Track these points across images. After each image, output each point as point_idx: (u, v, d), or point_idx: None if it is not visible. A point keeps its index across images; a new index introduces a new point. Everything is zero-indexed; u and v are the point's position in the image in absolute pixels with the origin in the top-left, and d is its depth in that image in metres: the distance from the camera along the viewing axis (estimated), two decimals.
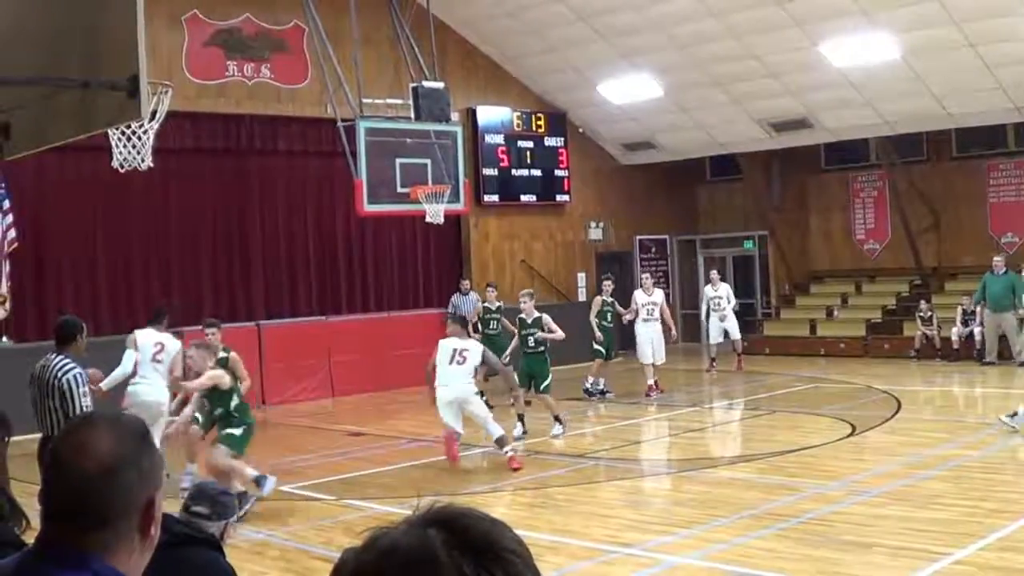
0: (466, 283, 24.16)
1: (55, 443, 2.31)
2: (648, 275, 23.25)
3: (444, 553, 1.49)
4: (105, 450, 2.23)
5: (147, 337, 13.55)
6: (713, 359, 24.04)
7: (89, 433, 2.27)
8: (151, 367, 13.32)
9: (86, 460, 2.21)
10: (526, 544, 1.57)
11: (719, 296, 24.06)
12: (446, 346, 14.44)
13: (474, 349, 14.46)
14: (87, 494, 2.19)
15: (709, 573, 9.14)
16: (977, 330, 23.36)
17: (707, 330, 24.89)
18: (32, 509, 2.48)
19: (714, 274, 24.87)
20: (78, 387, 8.55)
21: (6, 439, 3.99)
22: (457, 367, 14.22)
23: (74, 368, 8.62)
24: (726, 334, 24.11)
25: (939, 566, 8.66)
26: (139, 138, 10.34)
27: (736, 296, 24.89)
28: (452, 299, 23.80)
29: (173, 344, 13.64)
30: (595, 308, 20.36)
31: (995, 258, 23.17)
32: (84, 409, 8.45)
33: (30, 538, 2.48)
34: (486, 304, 20.90)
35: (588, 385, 20.36)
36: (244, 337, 21.16)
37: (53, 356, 8.75)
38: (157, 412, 12.85)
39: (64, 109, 6.66)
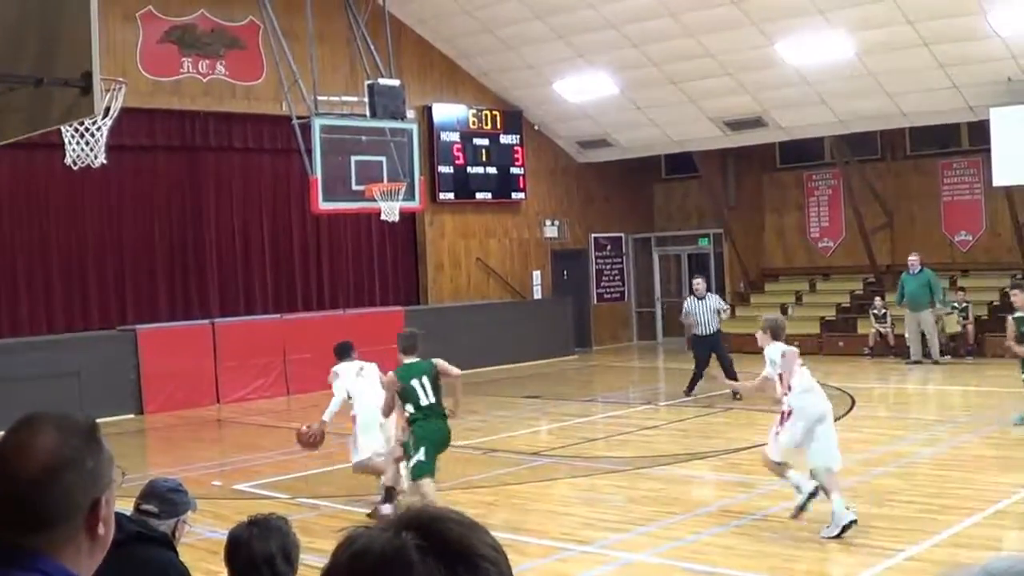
0: (700, 282, 20.87)
1: None
2: None
3: (417, 557, 1.48)
4: (46, 451, 2.17)
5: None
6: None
7: (31, 433, 2.20)
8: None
9: (26, 462, 2.15)
10: (503, 549, 1.57)
11: None
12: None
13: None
14: (27, 497, 2.13)
15: (665, 570, 9.17)
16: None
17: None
18: None
19: None
20: None
21: None
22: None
23: None
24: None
25: (892, 562, 8.73)
26: (92, 135, 10.23)
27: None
28: (685, 305, 20.80)
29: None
30: None
31: (910, 257, 23.32)
32: None
33: None
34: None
35: None
36: (198, 335, 21.09)
37: None
38: None
39: (16, 106, 6.60)
